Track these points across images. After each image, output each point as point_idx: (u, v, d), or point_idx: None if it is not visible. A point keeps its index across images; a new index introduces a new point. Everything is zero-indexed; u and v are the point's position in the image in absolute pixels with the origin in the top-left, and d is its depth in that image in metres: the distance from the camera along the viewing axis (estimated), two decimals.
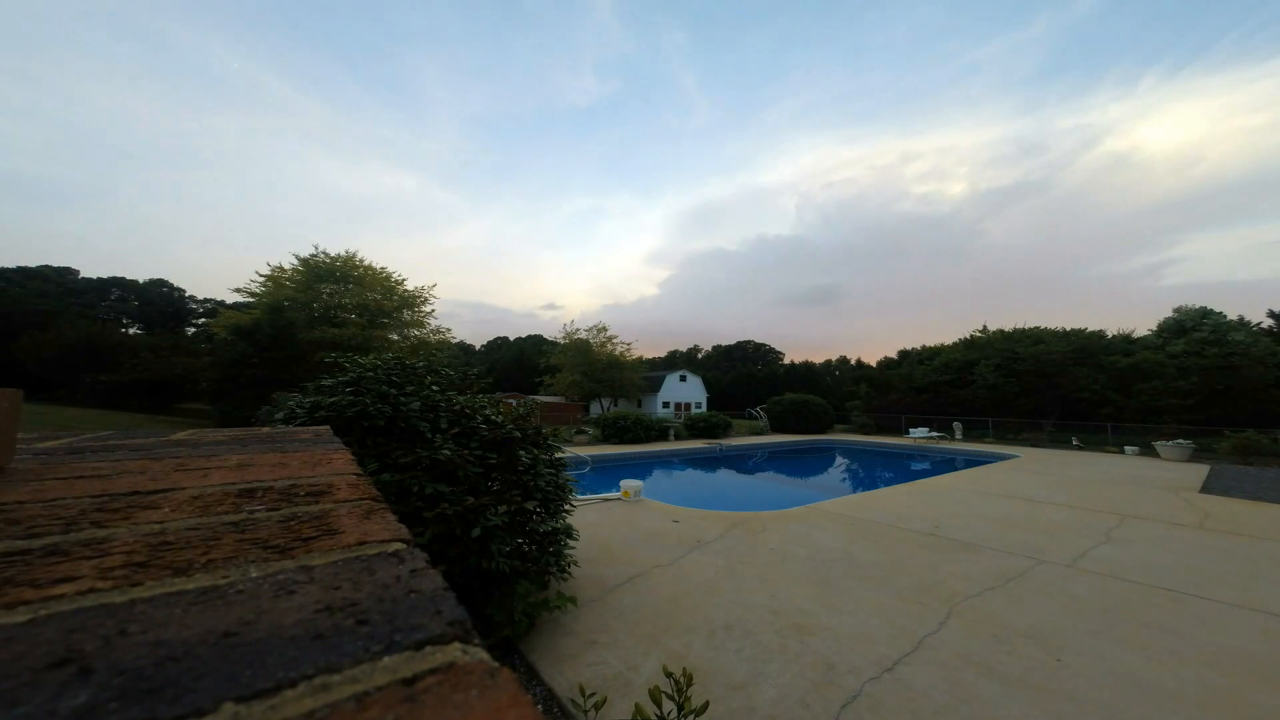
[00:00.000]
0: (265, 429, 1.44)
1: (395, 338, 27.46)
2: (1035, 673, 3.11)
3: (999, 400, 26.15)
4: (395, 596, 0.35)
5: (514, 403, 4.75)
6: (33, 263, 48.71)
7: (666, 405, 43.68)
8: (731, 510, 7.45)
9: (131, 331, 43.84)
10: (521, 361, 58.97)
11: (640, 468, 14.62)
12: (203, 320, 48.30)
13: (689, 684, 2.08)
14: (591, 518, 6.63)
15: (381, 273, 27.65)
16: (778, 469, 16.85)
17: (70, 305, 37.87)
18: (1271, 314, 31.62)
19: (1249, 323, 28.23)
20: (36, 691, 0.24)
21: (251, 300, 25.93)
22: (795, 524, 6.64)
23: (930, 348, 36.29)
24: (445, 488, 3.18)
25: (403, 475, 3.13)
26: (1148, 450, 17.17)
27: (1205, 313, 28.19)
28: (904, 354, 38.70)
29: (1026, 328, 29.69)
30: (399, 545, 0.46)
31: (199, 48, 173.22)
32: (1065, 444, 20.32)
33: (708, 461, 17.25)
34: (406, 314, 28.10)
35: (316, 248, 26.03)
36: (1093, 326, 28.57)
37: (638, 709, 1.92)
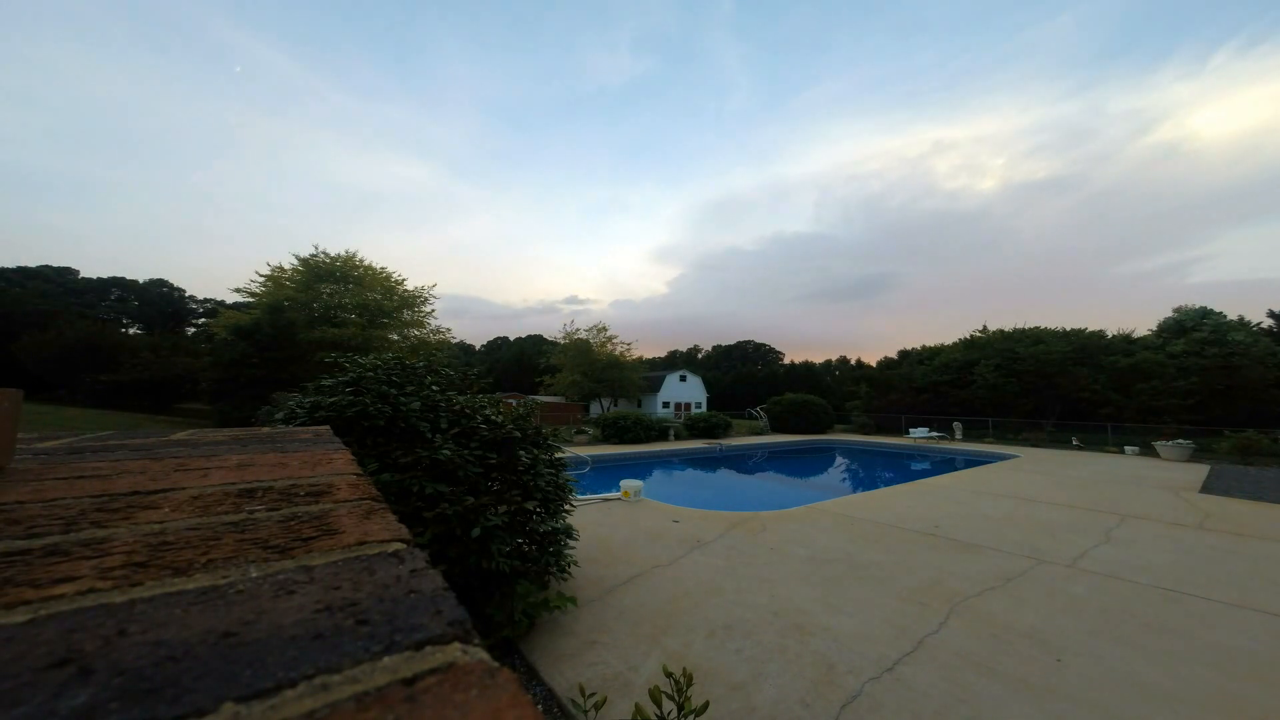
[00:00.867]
0: (265, 429, 1.44)
1: (395, 338, 27.45)
2: (1035, 673, 3.11)
3: (999, 400, 26.16)
4: (395, 596, 0.35)
5: (514, 403, 4.75)
6: (33, 263, 48.76)
7: (666, 405, 43.66)
8: (731, 510, 7.45)
9: (131, 331, 43.88)
10: (521, 361, 58.99)
11: (640, 468, 14.61)
12: (203, 320, 48.35)
13: (689, 684, 2.08)
14: (591, 518, 6.63)
15: (381, 272, 27.65)
16: (778, 469, 16.85)
17: (70, 305, 37.88)
18: (1271, 314, 31.62)
19: (1249, 323, 28.22)
20: (36, 691, 0.24)
21: (251, 300, 25.94)
22: (795, 524, 6.64)
23: (930, 348, 36.31)
24: (445, 488, 3.18)
25: (403, 475, 3.13)
26: (1148, 450, 17.17)
27: (1205, 313, 28.20)
28: (904, 354, 38.71)
29: (1026, 328, 29.72)
30: (399, 545, 0.46)
31: (199, 23, 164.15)
32: (1065, 444, 20.32)
33: (708, 461, 17.25)
34: (406, 314, 28.11)
35: (316, 247, 26.05)
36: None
37: (638, 709, 1.92)
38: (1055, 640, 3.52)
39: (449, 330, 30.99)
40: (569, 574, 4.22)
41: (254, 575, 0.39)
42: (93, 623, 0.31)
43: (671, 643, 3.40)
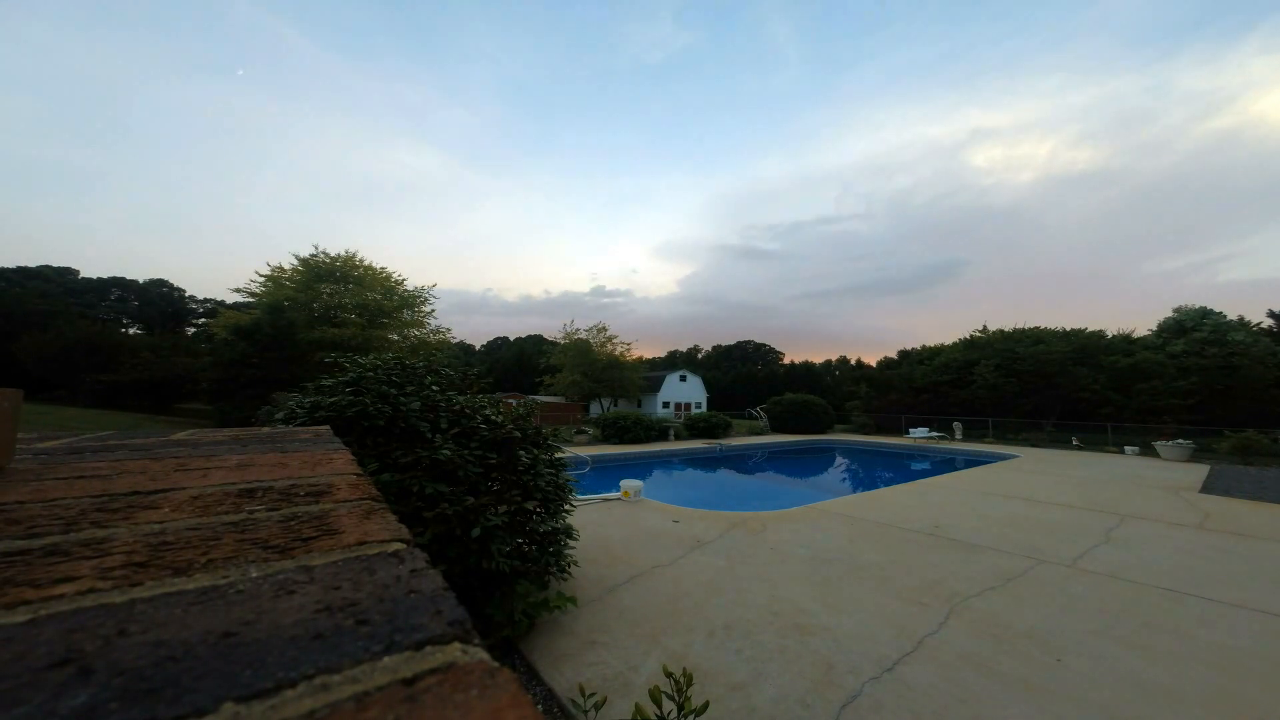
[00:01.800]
0: (265, 429, 1.44)
1: (395, 338, 27.47)
2: (1035, 673, 3.11)
3: (999, 400, 26.15)
4: (395, 596, 0.35)
5: (514, 403, 4.75)
6: (33, 262, 48.75)
7: (666, 405, 43.68)
8: (731, 510, 7.45)
9: (131, 331, 43.86)
10: (521, 361, 59.00)
11: (640, 468, 14.61)
12: (203, 320, 48.33)
13: (689, 684, 2.08)
14: (591, 518, 6.63)
15: (381, 272, 27.67)
16: (778, 469, 16.85)
17: (70, 305, 37.84)
18: (1271, 314, 31.63)
19: (1249, 323, 28.24)
20: (36, 691, 0.24)
21: (251, 300, 25.98)
22: (795, 524, 6.64)
23: (930, 348, 36.29)
24: (445, 488, 3.18)
25: (403, 475, 3.13)
26: (1148, 450, 17.17)
27: (1205, 313, 28.22)
28: (904, 354, 38.69)
29: (1027, 328, 29.72)
30: (399, 545, 0.46)
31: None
32: (1065, 444, 20.32)
33: (708, 461, 17.25)
34: (406, 314, 28.13)
35: (316, 247, 26.05)
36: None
37: (638, 709, 1.92)
38: (1055, 640, 3.52)
39: (449, 330, 31.05)
40: (569, 574, 4.22)
41: (254, 575, 0.39)
42: (93, 623, 0.31)
43: (671, 643, 3.40)
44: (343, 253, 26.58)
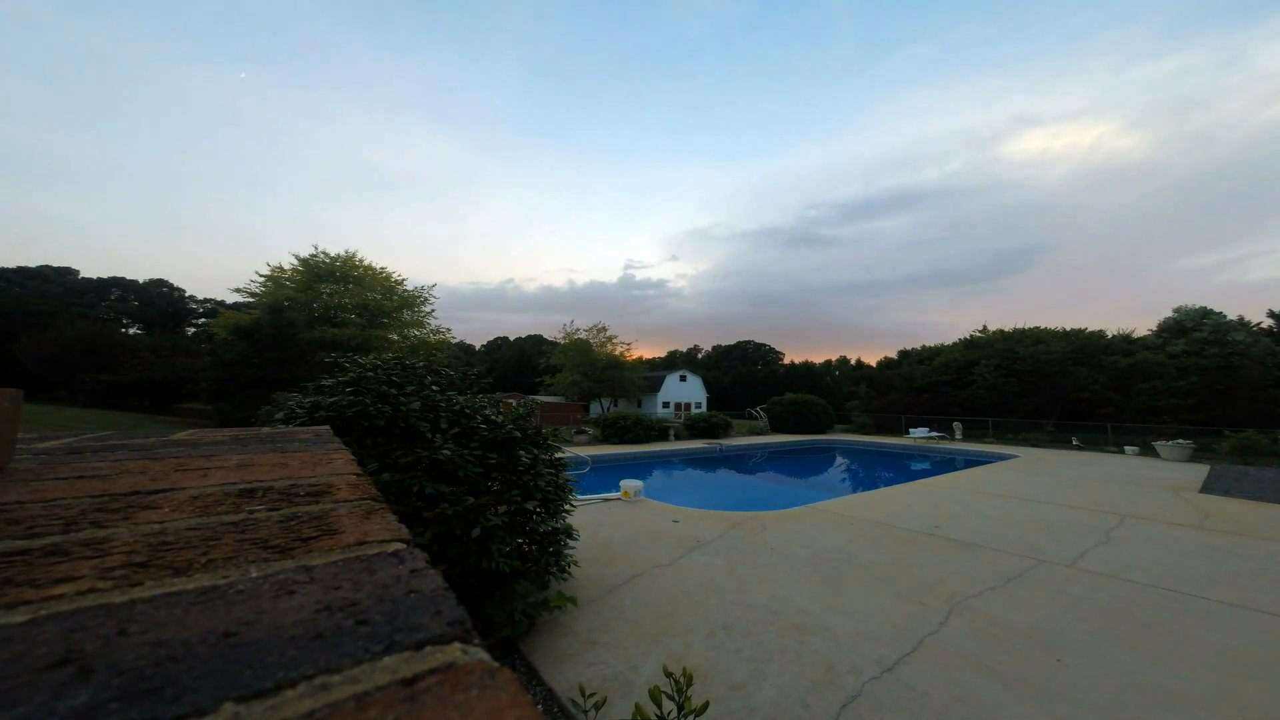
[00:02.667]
0: (265, 429, 1.44)
1: (395, 338, 27.49)
2: (1035, 673, 3.11)
3: (999, 400, 26.16)
4: (395, 596, 0.35)
5: (514, 403, 4.75)
6: (33, 263, 48.77)
7: (666, 405, 43.67)
8: (731, 510, 7.45)
9: (131, 331, 43.86)
10: (521, 361, 59.01)
11: (640, 468, 14.61)
12: (203, 320, 48.35)
13: (689, 684, 2.08)
14: (591, 518, 6.63)
15: (381, 272, 27.70)
16: (778, 469, 16.85)
17: (70, 305, 37.84)
18: (1271, 314, 31.63)
19: (1249, 323, 28.25)
20: (36, 691, 0.24)
21: (251, 300, 25.98)
22: (795, 524, 6.64)
23: (930, 347, 36.29)
24: (445, 488, 3.18)
25: (403, 475, 3.13)
26: (1147, 450, 17.17)
27: (1205, 313, 28.23)
28: (904, 354, 38.66)
29: (1026, 328, 29.73)
30: (399, 545, 0.46)
31: None
32: (1065, 444, 20.32)
33: (708, 461, 17.25)
34: (406, 314, 28.16)
35: (316, 247, 26.07)
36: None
37: (638, 709, 1.92)
38: (1055, 640, 3.52)
39: (449, 330, 31.08)
40: (569, 574, 4.22)
41: (254, 575, 0.39)
42: (93, 623, 0.31)
43: (671, 643, 3.40)
44: (342, 253, 26.61)
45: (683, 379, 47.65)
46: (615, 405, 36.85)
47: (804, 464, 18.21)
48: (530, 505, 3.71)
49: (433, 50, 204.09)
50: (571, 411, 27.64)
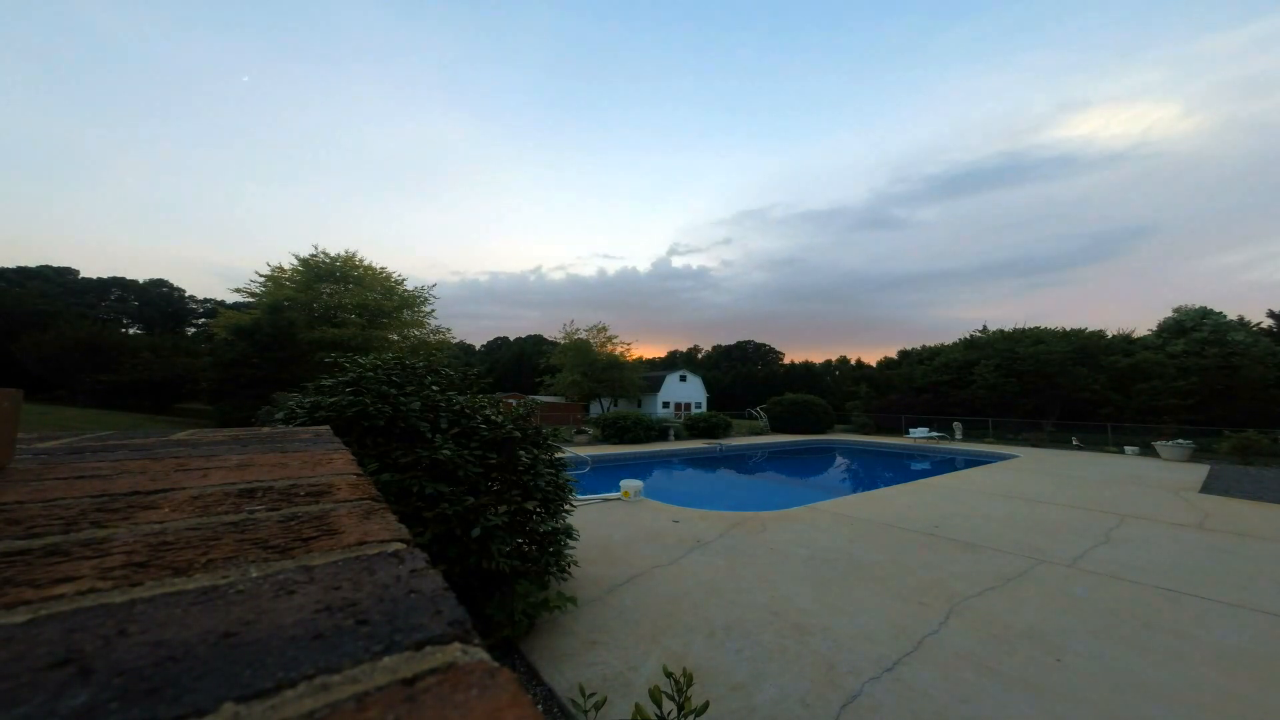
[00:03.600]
0: (265, 429, 1.44)
1: (395, 338, 27.51)
2: (1035, 673, 3.11)
3: (999, 400, 26.17)
4: (395, 596, 0.35)
5: (514, 403, 4.74)
6: (33, 263, 48.76)
7: (666, 405, 43.67)
8: (731, 510, 7.45)
9: (131, 331, 43.89)
10: (521, 361, 59.01)
11: (640, 468, 14.61)
12: (203, 320, 48.38)
13: (689, 684, 2.08)
14: (591, 518, 6.62)
15: (381, 273, 27.75)
16: (778, 469, 16.85)
17: (70, 305, 37.83)
18: (1271, 314, 31.62)
19: (1249, 323, 28.26)
20: (36, 691, 0.24)
21: (251, 300, 26.01)
22: (795, 524, 6.64)
23: (930, 348, 36.32)
24: (445, 488, 3.18)
25: (403, 475, 3.13)
26: (1147, 450, 17.17)
27: (1205, 313, 28.23)
28: (904, 354, 38.71)
29: (1026, 328, 29.74)
30: (399, 545, 0.46)
31: None
32: (1065, 444, 20.33)
33: (708, 461, 17.25)
34: (406, 314, 28.18)
35: (316, 247, 26.11)
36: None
37: (638, 709, 1.92)
38: (1055, 640, 3.52)
39: (449, 330, 31.14)
40: (569, 574, 4.22)
41: (254, 575, 0.39)
42: (93, 623, 0.31)
43: (671, 643, 3.40)
44: (342, 253, 26.65)
45: (683, 379, 47.64)
46: (615, 405, 36.85)
47: (804, 464, 18.20)
48: (530, 505, 3.71)
49: (453, 24, 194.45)
50: (571, 411, 27.64)
